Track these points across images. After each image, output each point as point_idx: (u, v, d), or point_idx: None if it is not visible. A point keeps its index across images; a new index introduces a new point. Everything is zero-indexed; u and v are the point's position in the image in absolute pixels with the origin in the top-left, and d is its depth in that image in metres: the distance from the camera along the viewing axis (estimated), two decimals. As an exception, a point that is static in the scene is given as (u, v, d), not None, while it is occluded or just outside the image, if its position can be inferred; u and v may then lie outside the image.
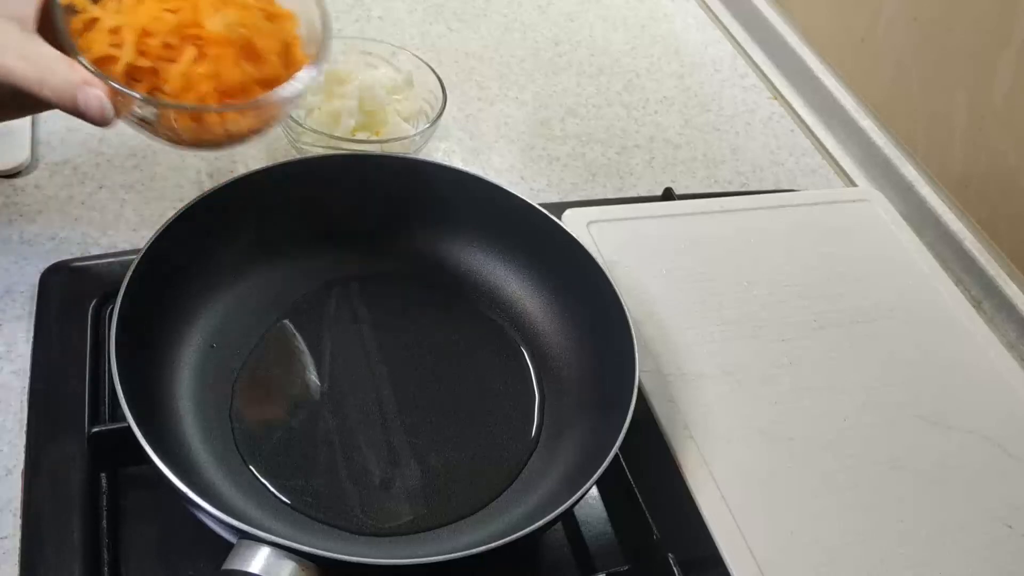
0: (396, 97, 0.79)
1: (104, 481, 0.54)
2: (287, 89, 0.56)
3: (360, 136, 0.76)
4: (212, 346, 0.59)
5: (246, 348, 0.60)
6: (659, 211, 0.78)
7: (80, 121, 0.51)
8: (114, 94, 0.51)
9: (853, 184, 0.93)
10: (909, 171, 0.90)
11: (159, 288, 0.56)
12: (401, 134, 0.76)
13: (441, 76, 0.79)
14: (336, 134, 0.73)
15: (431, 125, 0.76)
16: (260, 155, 0.79)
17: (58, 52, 0.48)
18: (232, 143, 0.59)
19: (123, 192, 0.73)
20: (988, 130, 0.82)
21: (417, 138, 0.75)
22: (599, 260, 0.62)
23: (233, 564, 0.44)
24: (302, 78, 0.57)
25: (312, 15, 0.60)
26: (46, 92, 0.48)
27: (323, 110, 0.76)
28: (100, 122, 0.50)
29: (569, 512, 0.55)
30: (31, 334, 0.61)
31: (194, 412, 0.56)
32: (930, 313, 0.76)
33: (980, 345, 0.74)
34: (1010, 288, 0.81)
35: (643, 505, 0.56)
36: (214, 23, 0.53)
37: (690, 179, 0.89)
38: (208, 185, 0.74)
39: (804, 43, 1.02)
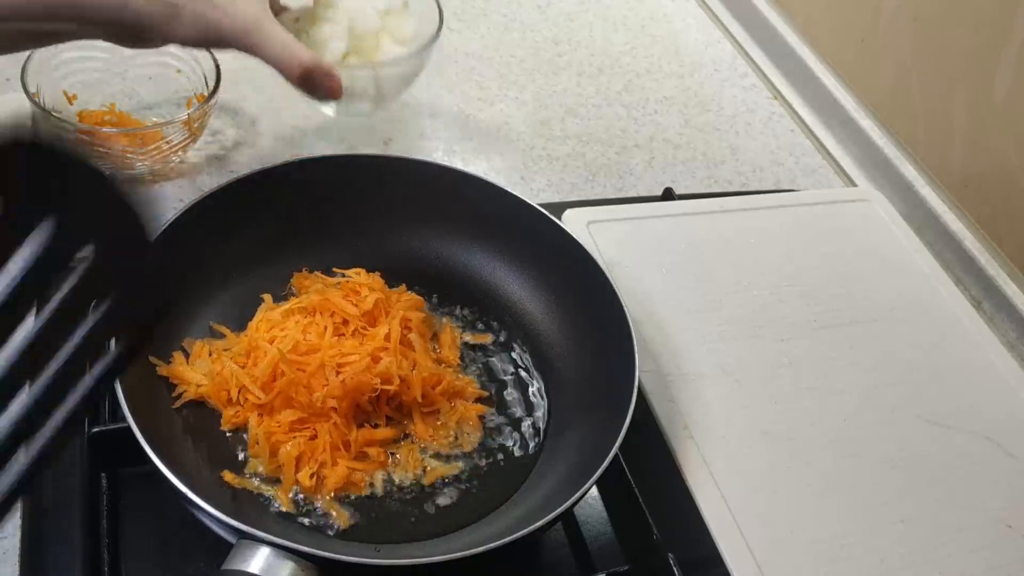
0: (389, 20, 0.73)
1: (104, 481, 0.54)
2: None
3: (351, 62, 0.71)
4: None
5: (246, 348, 0.60)
6: (659, 211, 0.78)
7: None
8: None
9: (853, 184, 0.93)
10: (909, 171, 0.90)
11: (159, 288, 0.56)
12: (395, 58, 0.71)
13: (441, 75, 0.79)
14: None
15: (428, 46, 0.72)
16: (259, 156, 0.79)
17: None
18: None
19: (123, 192, 0.73)
20: (988, 130, 0.82)
21: (412, 61, 0.71)
22: (599, 260, 0.62)
23: (233, 564, 0.44)
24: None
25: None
26: (296, 70, 0.59)
27: (310, 36, 0.71)
28: (333, 98, 0.63)
29: (569, 512, 0.55)
30: (31, 334, 0.61)
31: (194, 412, 0.56)
32: (930, 313, 0.76)
33: (980, 345, 0.74)
34: (1010, 288, 0.81)
35: (643, 505, 0.56)
36: None
37: (690, 179, 0.89)
38: (208, 185, 0.74)
39: (804, 43, 1.02)
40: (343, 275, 0.63)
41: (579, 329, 0.63)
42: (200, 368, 0.57)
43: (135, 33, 0.55)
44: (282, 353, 0.55)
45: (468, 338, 0.64)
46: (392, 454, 0.57)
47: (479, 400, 0.61)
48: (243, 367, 0.56)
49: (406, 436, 0.58)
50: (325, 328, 0.58)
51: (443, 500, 0.55)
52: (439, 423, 0.59)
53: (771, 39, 1.06)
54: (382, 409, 0.58)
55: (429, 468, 0.56)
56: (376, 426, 0.57)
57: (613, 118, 0.93)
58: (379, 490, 0.55)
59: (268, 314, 0.60)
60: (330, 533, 0.52)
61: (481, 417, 0.60)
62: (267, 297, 0.62)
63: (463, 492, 0.56)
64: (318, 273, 0.64)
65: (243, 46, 0.57)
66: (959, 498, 0.63)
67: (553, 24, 1.05)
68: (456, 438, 0.58)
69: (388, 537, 0.53)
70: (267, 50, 0.57)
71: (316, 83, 0.60)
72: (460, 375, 0.61)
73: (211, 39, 0.56)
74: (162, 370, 0.56)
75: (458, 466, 0.57)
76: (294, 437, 0.54)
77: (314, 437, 0.54)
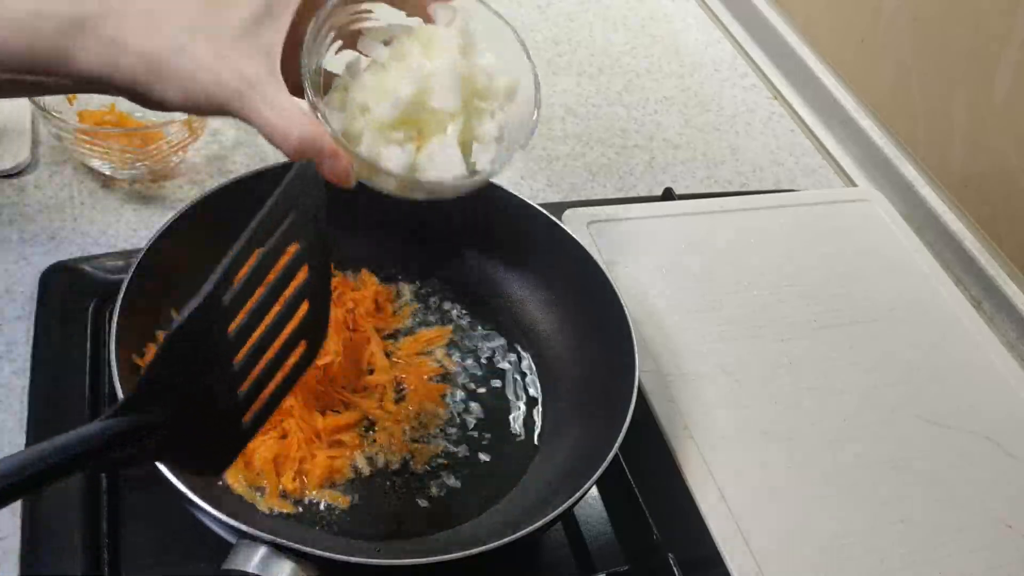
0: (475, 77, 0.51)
1: (104, 481, 0.54)
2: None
3: (392, 152, 0.49)
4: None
5: (246, 348, 0.60)
6: (659, 211, 0.78)
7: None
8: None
9: (853, 184, 0.93)
10: (909, 171, 0.90)
11: (159, 288, 0.56)
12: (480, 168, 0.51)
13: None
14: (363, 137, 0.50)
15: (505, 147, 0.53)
16: (259, 156, 0.79)
17: (300, 107, 0.47)
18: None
19: (123, 192, 0.73)
20: (988, 130, 0.82)
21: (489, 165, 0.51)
22: (599, 260, 0.62)
23: (232, 564, 0.44)
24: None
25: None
26: (289, 146, 0.47)
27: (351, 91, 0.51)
28: (342, 185, 0.49)
29: (569, 512, 0.55)
30: (31, 334, 0.61)
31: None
32: (930, 313, 0.76)
33: (980, 345, 0.74)
34: (1010, 288, 0.81)
35: (643, 505, 0.56)
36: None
37: (690, 179, 0.89)
38: (209, 185, 0.74)
39: (804, 43, 1.02)
40: None
41: (579, 329, 0.63)
42: None
43: (126, 97, 0.48)
44: None
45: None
46: (367, 431, 0.57)
47: (441, 380, 0.61)
48: None
49: (372, 427, 0.58)
50: None
51: (439, 491, 0.56)
52: (400, 404, 0.59)
53: (771, 39, 1.06)
54: (337, 394, 0.58)
55: (416, 450, 0.57)
56: (337, 412, 0.57)
57: (613, 118, 0.93)
58: (364, 471, 0.55)
59: None
60: (330, 523, 0.52)
61: (443, 396, 0.60)
62: None
63: (461, 487, 0.56)
64: None
65: (234, 112, 0.46)
66: (959, 498, 0.63)
67: (553, 24, 1.05)
68: (418, 416, 0.59)
69: (388, 530, 0.53)
70: (258, 116, 0.46)
71: (317, 162, 0.47)
72: (416, 357, 0.62)
73: (200, 104, 0.46)
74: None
75: (441, 446, 0.57)
76: (264, 440, 0.54)
77: (284, 436, 0.54)
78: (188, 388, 0.38)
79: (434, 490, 0.56)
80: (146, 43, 0.45)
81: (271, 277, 0.41)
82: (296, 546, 0.44)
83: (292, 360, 0.44)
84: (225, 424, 0.41)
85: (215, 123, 0.79)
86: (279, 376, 0.44)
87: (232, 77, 0.46)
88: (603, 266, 0.62)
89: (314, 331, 0.45)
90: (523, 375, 0.63)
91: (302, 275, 0.44)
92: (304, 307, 0.44)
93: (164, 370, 0.36)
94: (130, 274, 0.54)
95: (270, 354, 0.42)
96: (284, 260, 0.42)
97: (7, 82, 0.47)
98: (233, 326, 0.39)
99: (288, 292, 0.42)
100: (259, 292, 0.41)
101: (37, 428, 0.56)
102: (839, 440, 0.64)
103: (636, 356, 0.57)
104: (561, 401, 0.62)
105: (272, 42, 0.47)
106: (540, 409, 0.61)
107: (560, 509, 0.49)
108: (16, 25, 0.44)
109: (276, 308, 0.42)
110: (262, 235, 0.40)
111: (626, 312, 0.59)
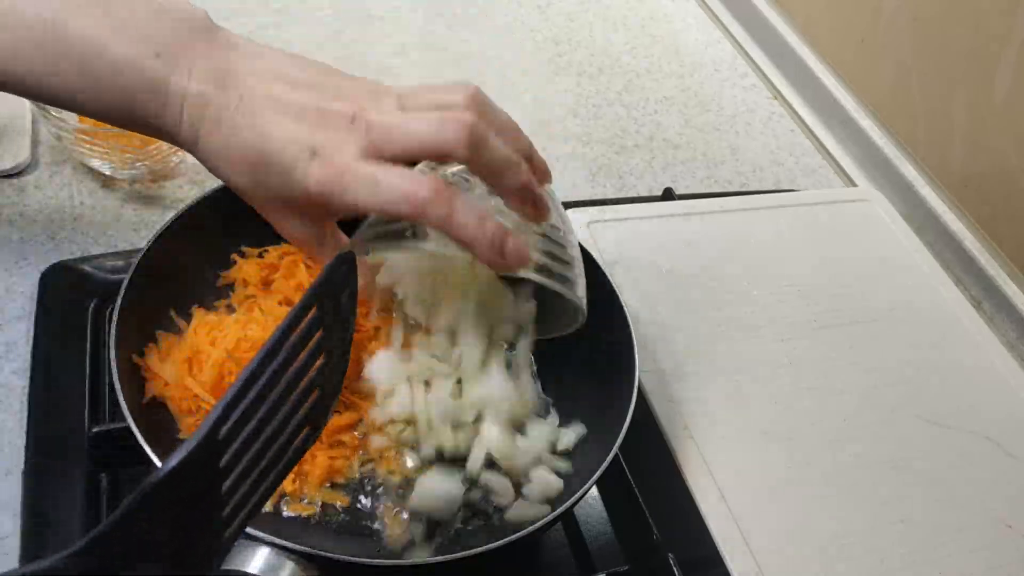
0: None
1: (104, 481, 0.54)
2: None
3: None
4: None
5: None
6: (659, 211, 0.78)
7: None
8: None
9: (853, 184, 0.93)
10: (909, 171, 0.90)
11: (160, 288, 0.56)
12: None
13: (441, 76, 0.78)
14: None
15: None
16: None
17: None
18: None
19: (123, 192, 0.73)
20: (988, 130, 0.82)
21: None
22: (599, 260, 0.62)
23: (232, 564, 0.44)
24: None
25: None
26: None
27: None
28: None
29: (569, 512, 0.55)
30: (31, 334, 0.61)
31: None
32: (930, 313, 0.76)
33: (980, 345, 0.74)
34: (1010, 288, 0.81)
35: (643, 505, 0.56)
36: None
37: (690, 179, 0.89)
38: (209, 185, 0.74)
39: (804, 43, 1.02)
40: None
41: (579, 329, 0.63)
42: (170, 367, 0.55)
43: None
44: (228, 352, 0.53)
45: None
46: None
47: None
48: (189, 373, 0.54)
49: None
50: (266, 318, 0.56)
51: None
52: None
53: (771, 39, 1.06)
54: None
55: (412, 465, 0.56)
56: (338, 412, 0.57)
57: (613, 118, 0.93)
58: (356, 473, 0.55)
59: (205, 317, 0.57)
60: (330, 523, 0.52)
61: None
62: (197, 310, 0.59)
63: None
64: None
65: None
66: (959, 498, 0.63)
67: (553, 24, 1.05)
68: None
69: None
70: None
71: None
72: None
73: None
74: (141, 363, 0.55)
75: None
76: None
77: None
78: (164, 532, 0.34)
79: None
80: (215, 166, 0.49)
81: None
82: (297, 546, 0.44)
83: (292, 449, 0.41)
84: (202, 544, 0.37)
85: (215, 123, 0.79)
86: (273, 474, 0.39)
87: (285, 231, 0.52)
88: (603, 266, 0.62)
89: (322, 410, 0.42)
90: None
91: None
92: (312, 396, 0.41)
93: (141, 515, 0.32)
94: (130, 274, 0.54)
95: (266, 460, 0.38)
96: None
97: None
98: (227, 455, 0.36)
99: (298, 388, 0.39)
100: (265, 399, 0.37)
101: (37, 428, 0.56)
102: (839, 440, 0.64)
103: (636, 356, 0.57)
104: (561, 401, 0.62)
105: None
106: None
107: (560, 509, 0.49)
108: (104, 115, 0.50)
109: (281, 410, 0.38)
110: (283, 342, 0.37)
111: (626, 312, 0.59)
